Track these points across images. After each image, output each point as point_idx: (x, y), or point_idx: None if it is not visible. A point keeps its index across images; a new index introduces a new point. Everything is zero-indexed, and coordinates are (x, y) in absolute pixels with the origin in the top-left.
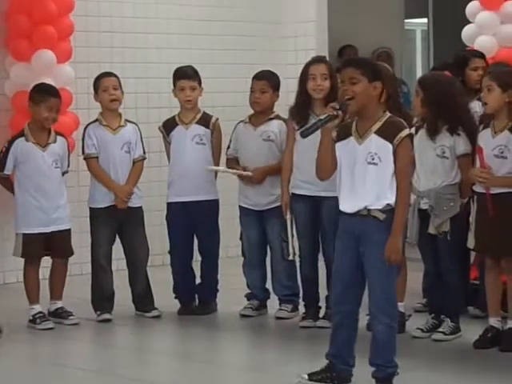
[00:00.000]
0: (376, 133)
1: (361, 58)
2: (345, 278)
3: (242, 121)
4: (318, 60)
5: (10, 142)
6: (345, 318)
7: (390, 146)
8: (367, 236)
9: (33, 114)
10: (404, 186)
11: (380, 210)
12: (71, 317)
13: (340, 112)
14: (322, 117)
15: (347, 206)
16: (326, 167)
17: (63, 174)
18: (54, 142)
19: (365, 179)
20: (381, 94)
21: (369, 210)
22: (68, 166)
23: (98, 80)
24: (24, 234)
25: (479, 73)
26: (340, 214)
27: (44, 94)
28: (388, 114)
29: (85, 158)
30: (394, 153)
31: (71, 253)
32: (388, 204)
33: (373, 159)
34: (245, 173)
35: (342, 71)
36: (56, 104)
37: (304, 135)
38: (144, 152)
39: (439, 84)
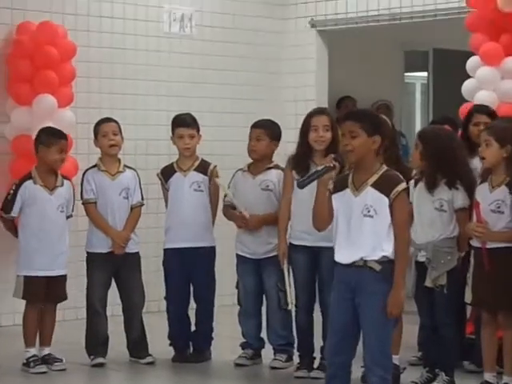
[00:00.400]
0: (372, 186)
1: (362, 110)
2: (340, 330)
3: (240, 169)
4: (320, 111)
5: (18, 185)
6: (338, 370)
7: (386, 200)
8: (363, 287)
9: (42, 156)
10: (403, 239)
11: (376, 261)
12: (57, 363)
13: (337, 164)
14: (319, 168)
15: (343, 256)
16: (323, 218)
17: (67, 217)
18: (62, 185)
19: (361, 231)
20: (379, 148)
21: (365, 261)
22: (72, 210)
23: (97, 125)
24: (25, 276)
25: (480, 128)
26: (335, 265)
27: (55, 136)
28: (385, 167)
29: (83, 203)
30: (391, 206)
31: (65, 298)
32: (384, 256)
33: (368, 211)
34: (244, 212)
35: (342, 124)
36: (66, 146)
37: (301, 186)
38: (142, 198)
39: (439, 138)
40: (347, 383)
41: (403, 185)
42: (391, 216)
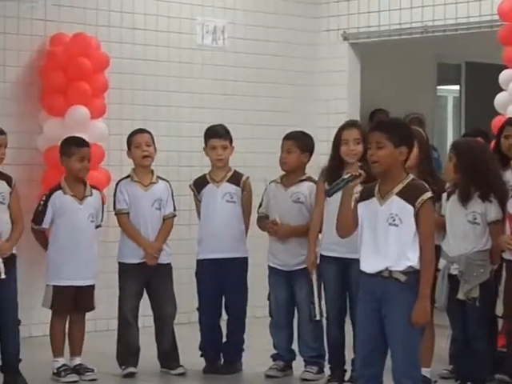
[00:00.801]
0: (397, 194)
1: (392, 120)
2: (369, 341)
3: (273, 180)
4: (350, 124)
5: (48, 195)
6: (369, 382)
7: (411, 208)
8: (388, 297)
9: (66, 167)
10: (429, 249)
11: (401, 272)
12: (88, 373)
13: (363, 172)
14: (345, 176)
15: (368, 266)
16: (347, 225)
17: (97, 227)
18: (91, 194)
19: (386, 240)
20: (406, 158)
21: (390, 271)
22: (102, 219)
23: (131, 136)
24: (54, 286)
25: (510, 142)
26: (361, 275)
27: (73, 145)
28: (411, 177)
29: (116, 214)
30: (416, 215)
31: (92, 308)
32: (410, 266)
33: (394, 220)
34: (277, 218)
35: (370, 134)
36: (86, 153)
37: (329, 194)
38: (175, 209)
39: (472, 150)
40: None
41: (428, 194)
42: (416, 225)
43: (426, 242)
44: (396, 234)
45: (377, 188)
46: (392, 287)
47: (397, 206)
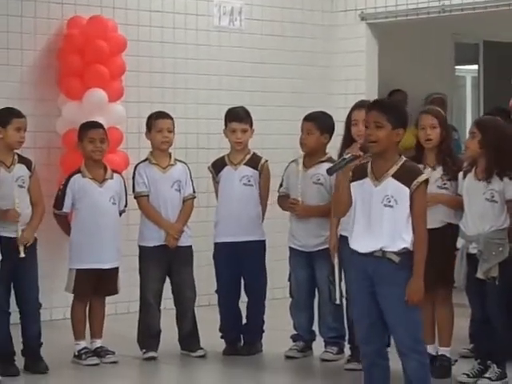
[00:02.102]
0: (393, 176)
1: (389, 101)
2: (365, 319)
3: (294, 160)
4: (360, 105)
5: (67, 180)
6: (375, 358)
7: (406, 190)
8: (382, 277)
9: (82, 151)
10: (422, 229)
11: (395, 253)
12: (109, 355)
13: (363, 153)
14: (345, 156)
15: (361, 245)
16: (344, 205)
17: (120, 213)
18: (111, 178)
19: (381, 221)
20: (400, 140)
21: (384, 251)
22: (125, 205)
23: (153, 119)
24: (77, 270)
25: None
26: (353, 253)
27: (83, 129)
28: (404, 158)
29: (135, 197)
30: (411, 197)
31: (116, 292)
32: (404, 247)
33: (389, 202)
34: (298, 197)
35: (367, 112)
36: (97, 134)
37: (329, 173)
38: (194, 191)
39: (497, 127)
40: (387, 370)
41: (424, 176)
42: (410, 206)
43: (420, 223)
44: (391, 215)
45: (369, 168)
46: (384, 267)
47: (392, 187)
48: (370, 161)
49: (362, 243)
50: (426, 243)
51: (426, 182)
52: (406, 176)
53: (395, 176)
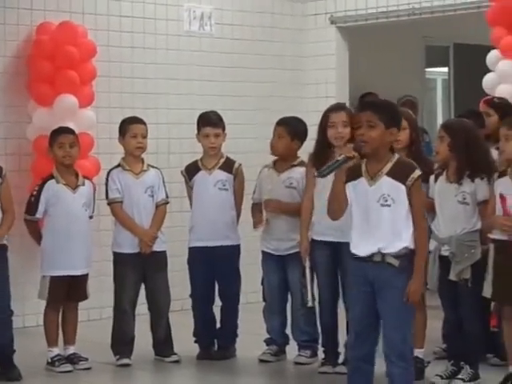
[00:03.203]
0: (388, 174)
1: (382, 101)
2: (360, 323)
3: (267, 165)
4: (338, 108)
5: (41, 185)
6: (361, 363)
7: (402, 187)
8: (382, 281)
9: (52, 157)
10: (422, 227)
11: (395, 256)
12: (82, 362)
13: (356, 154)
14: (339, 158)
15: (361, 249)
16: (340, 207)
17: (89, 218)
18: (83, 184)
19: (379, 221)
20: (393, 140)
21: (383, 254)
22: (93, 211)
23: (127, 124)
24: (51, 277)
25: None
26: (352, 258)
27: (53, 135)
28: (397, 156)
29: (109, 203)
30: (408, 194)
31: (86, 297)
32: (404, 247)
33: (386, 201)
34: (265, 219)
35: (360, 112)
36: (67, 140)
37: (321, 175)
38: (167, 196)
39: (465, 129)
40: (371, 375)
41: (418, 171)
42: (409, 203)
43: (420, 221)
44: (389, 215)
45: (364, 168)
46: (385, 272)
47: (388, 185)
48: (365, 161)
49: (361, 247)
50: (427, 241)
51: (421, 177)
52: (400, 173)
53: (390, 174)
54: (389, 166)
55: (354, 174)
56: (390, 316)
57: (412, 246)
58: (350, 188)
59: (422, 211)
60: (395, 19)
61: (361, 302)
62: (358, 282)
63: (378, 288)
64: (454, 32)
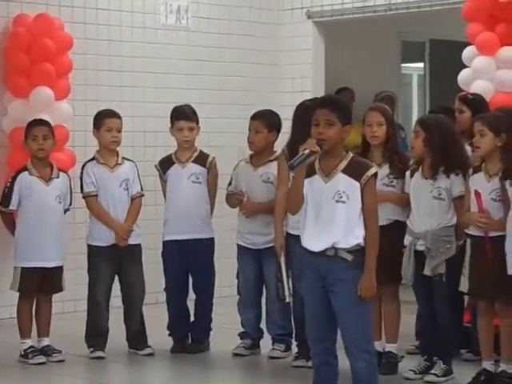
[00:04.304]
0: (343, 171)
1: (337, 98)
2: (316, 317)
3: (243, 159)
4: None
5: (14, 177)
6: (326, 356)
7: (357, 185)
8: (334, 275)
9: (28, 150)
10: (373, 224)
11: (348, 251)
12: (56, 354)
13: (319, 148)
14: (305, 151)
15: (313, 243)
16: (299, 202)
17: (65, 211)
18: (57, 177)
19: (333, 217)
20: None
21: (336, 249)
22: (70, 203)
23: (102, 117)
24: (23, 268)
25: (459, 115)
26: (304, 251)
27: (28, 127)
28: (351, 154)
29: (84, 197)
30: (362, 191)
31: (61, 289)
32: (357, 244)
33: (341, 197)
34: (243, 191)
35: (317, 109)
36: (40, 132)
37: (292, 167)
38: (141, 189)
39: (440, 125)
40: (336, 368)
41: (373, 170)
42: (361, 201)
43: (371, 218)
44: (344, 211)
45: (317, 165)
46: (338, 266)
47: (343, 182)
48: (317, 158)
49: (314, 241)
50: (378, 239)
51: (375, 175)
52: (355, 170)
53: (345, 171)
54: (344, 163)
55: (308, 172)
56: (347, 312)
57: (363, 244)
58: (306, 184)
59: (374, 209)
60: (371, 14)
61: (315, 298)
62: (310, 275)
63: (330, 283)
64: (429, 28)
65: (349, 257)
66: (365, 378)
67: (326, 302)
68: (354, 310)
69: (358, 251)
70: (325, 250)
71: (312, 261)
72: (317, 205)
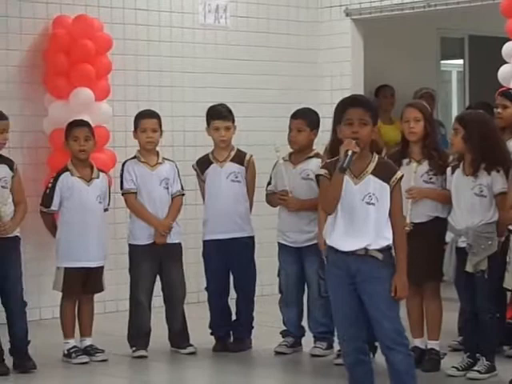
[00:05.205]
0: (372, 173)
1: (365, 98)
2: (348, 315)
3: (282, 158)
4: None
5: (56, 178)
6: (359, 355)
7: (387, 187)
8: (366, 273)
9: (68, 151)
10: (401, 226)
11: (379, 250)
12: (99, 354)
13: (359, 149)
14: (348, 152)
15: (343, 244)
16: (337, 202)
17: (104, 210)
18: (98, 177)
19: (365, 219)
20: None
21: (367, 249)
22: (109, 203)
23: (139, 119)
24: (66, 269)
25: (498, 110)
26: (331, 251)
27: (68, 128)
28: (377, 156)
29: (123, 194)
30: (390, 193)
31: (102, 289)
32: (387, 245)
33: (371, 199)
34: (286, 190)
35: (350, 109)
36: (81, 133)
37: (344, 170)
38: (182, 188)
39: (479, 122)
40: (370, 365)
41: (400, 173)
42: (390, 203)
43: (399, 220)
44: (374, 213)
45: None
46: (369, 264)
47: (373, 184)
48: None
49: (343, 242)
50: (405, 240)
51: (401, 178)
52: (384, 172)
53: (374, 173)
54: (372, 165)
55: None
56: (379, 307)
57: (392, 245)
58: None
59: (401, 211)
60: (410, 11)
61: (344, 297)
62: (338, 274)
63: (360, 280)
64: (468, 24)
65: (380, 256)
66: (404, 370)
67: (355, 300)
68: (388, 305)
69: (388, 251)
70: (355, 250)
71: (340, 259)
72: (347, 206)
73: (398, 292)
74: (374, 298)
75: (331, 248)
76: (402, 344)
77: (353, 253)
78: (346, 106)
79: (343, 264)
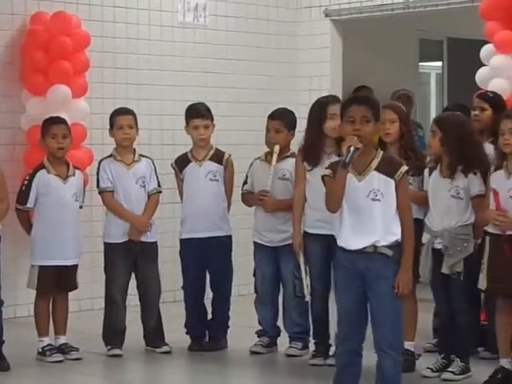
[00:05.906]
0: (376, 169)
1: (368, 96)
2: (351, 317)
3: (258, 158)
4: (337, 100)
5: (32, 175)
6: (352, 356)
7: (392, 182)
8: (375, 272)
9: (45, 147)
10: (409, 221)
11: (387, 247)
12: (73, 352)
13: (361, 145)
14: (350, 148)
15: (352, 242)
16: (341, 200)
17: (79, 208)
18: (74, 175)
19: (371, 216)
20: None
21: (375, 246)
22: (83, 201)
23: (114, 116)
24: (40, 266)
25: (475, 113)
26: (339, 250)
27: (46, 124)
28: (381, 151)
29: (100, 192)
30: (396, 188)
31: (76, 287)
32: (395, 240)
33: (376, 196)
34: (267, 190)
35: (353, 106)
36: (59, 130)
37: (346, 167)
38: (159, 185)
39: (456, 124)
40: (360, 367)
41: (405, 167)
42: (396, 198)
43: (406, 215)
44: (380, 209)
45: None
46: (378, 262)
47: (378, 180)
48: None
49: (353, 240)
50: (413, 235)
51: (407, 172)
52: (388, 168)
53: (378, 169)
54: (376, 161)
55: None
56: (384, 309)
57: (400, 240)
58: None
59: (408, 206)
60: (389, 13)
61: (351, 297)
62: (347, 274)
63: (369, 279)
64: (447, 26)
65: (389, 252)
66: (390, 376)
67: (360, 299)
68: (392, 306)
69: (397, 247)
70: (363, 248)
71: (349, 259)
72: (352, 204)
73: (400, 288)
74: (380, 296)
75: (339, 248)
76: (395, 348)
77: (361, 251)
78: (349, 103)
79: (351, 264)
